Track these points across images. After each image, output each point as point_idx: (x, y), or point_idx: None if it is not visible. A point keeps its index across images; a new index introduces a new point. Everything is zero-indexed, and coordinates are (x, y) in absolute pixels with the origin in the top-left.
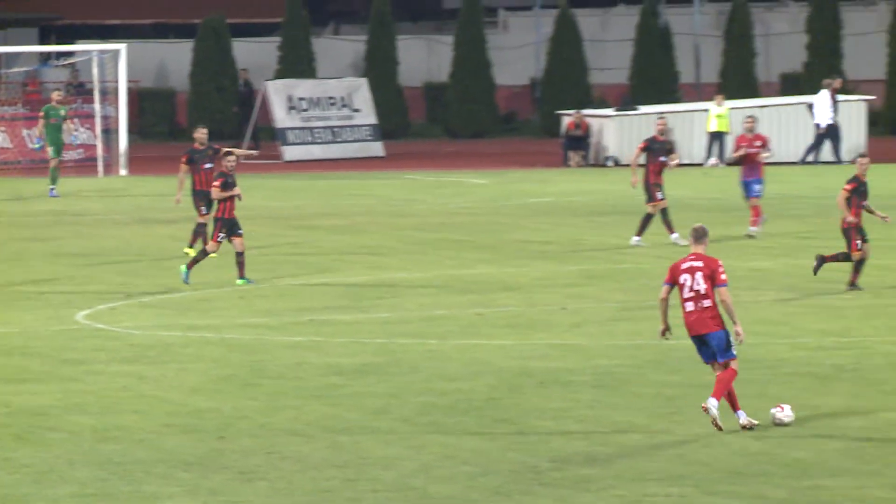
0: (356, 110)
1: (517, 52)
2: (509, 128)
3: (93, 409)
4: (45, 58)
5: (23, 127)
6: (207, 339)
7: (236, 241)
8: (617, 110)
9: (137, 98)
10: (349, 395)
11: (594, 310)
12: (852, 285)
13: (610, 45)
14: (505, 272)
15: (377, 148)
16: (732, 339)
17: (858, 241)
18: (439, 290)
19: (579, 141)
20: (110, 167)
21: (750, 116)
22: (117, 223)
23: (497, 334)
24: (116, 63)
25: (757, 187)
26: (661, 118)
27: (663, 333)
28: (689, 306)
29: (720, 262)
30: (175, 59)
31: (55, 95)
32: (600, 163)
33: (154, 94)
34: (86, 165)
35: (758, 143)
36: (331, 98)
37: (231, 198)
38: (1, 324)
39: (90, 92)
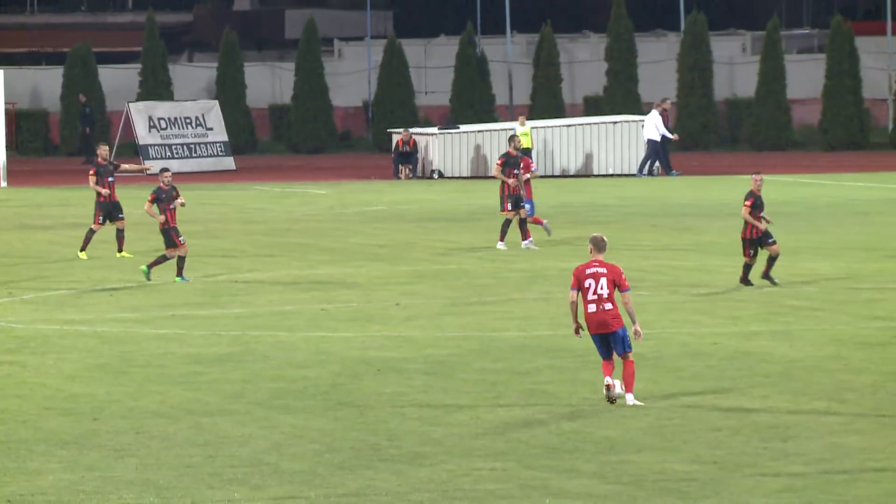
0: (209, 129)
1: (351, 77)
2: (345, 144)
3: None
4: None
5: None
6: (82, 331)
7: (181, 249)
8: (440, 129)
9: (14, 118)
10: (208, 381)
11: (424, 305)
12: (766, 276)
13: (433, 71)
14: (345, 272)
15: (229, 162)
16: (631, 336)
17: (751, 251)
18: (287, 288)
19: (408, 156)
20: None
21: (512, 136)
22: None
23: (339, 327)
24: None
25: (527, 206)
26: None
27: (577, 332)
28: (592, 308)
29: (622, 269)
30: (47, 83)
31: None
32: (427, 175)
33: (29, 115)
34: None
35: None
36: (187, 118)
37: (172, 209)
38: None
39: None
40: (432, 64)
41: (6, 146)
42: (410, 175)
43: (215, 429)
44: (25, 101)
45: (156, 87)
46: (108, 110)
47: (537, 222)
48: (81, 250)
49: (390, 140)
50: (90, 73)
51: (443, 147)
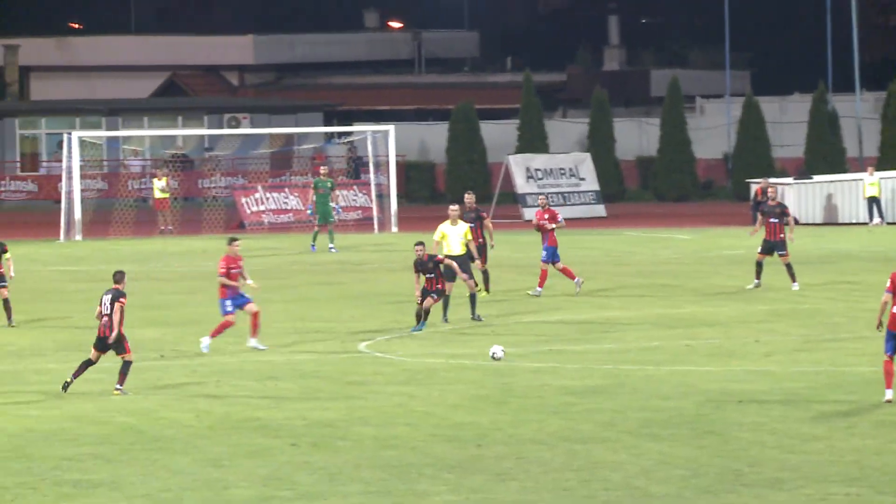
0: (582, 179)
1: (712, 132)
2: (707, 193)
3: (373, 421)
4: (329, 137)
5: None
6: (465, 364)
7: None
8: (795, 179)
9: (404, 169)
10: (582, 411)
11: (781, 342)
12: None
13: (787, 125)
14: (707, 311)
15: (600, 210)
16: None
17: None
18: (653, 326)
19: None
20: (383, 225)
21: (541, 195)
22: (390, 270)
23: (702, 362)
24: (387, 141)
25: (544, 253)
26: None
27: (878, 327)
28: None
29: None
30: (434, 137)
31: (322, 170)
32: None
33: (417, 166)
34: (363, 224)
35: (547, 216)
36: (561, 169)
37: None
38: (298, 352)
39: (366, 164)
40: (787, 119)
41: (397, 194)
42: None
43: (589, 455)
44: (414, 153)
45: (532, 141)
46: (490, 162)
47: (567, 274)
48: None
49: (749, 189)
50: (472, 128)
51: (797, 195)
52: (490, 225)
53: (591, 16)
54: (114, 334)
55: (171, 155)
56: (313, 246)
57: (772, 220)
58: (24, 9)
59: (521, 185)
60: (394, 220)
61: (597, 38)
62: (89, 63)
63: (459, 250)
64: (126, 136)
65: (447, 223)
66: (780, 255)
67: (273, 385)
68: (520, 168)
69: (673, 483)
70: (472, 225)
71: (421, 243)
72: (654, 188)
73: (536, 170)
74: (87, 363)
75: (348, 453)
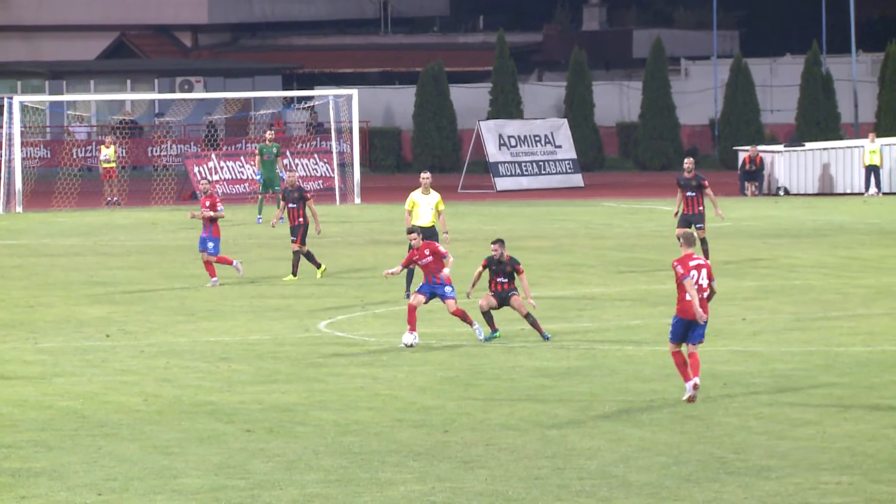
0: (558, 146)
1: (698, 96)
2: None
3: (334, 406)
4: (288, 101)
5: None
6: (432, 345)
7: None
8: (786, 146)
9: (368, 136)
10: (557, 394)
11: (770, 320)
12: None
13: (778, 89)
14: None
15: (577, 179)
16: None
17: None
18: (634, 303)
19: (754, 173)
20: (345, 196)
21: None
22: (352, 244)
23: None
24: (350, 106)
25: (210, 244)
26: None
27: None
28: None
29: None
30: (400, 102)
31: (268, 134)
32: (773, 192)
33: (382, 133)
34: (325, 195)
35: (208, 203)
36: (536, 136)
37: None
38: (255, 332)
39: (328, 131)
40: (778, 82)
41: (360, 163)
42: (756, 192)
43: (564, 441)
44: (379, 119)
45: (506, 106)
46: (460, 128)
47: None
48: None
49: (737, 158)
50: (441, 92)
51: (789, 164)
52: (313, 206)
53: None
54: None
55: (119, 121)
56: (259, 218)
57: (688, 193)
58: None
59: (494, 153)
60: (357, 190)
61: None
62: (32, 22)
63: (429, 220)
64: (71, 101)
65: (418, 191)
66: (698, 229)
67: (226, 367)
68: (492, 135)
69: (653, 471)
70: (296, 205)
71: (500, 241)
72: (636, 156)
73: (510, 137)
74: None
75: (307, 439)
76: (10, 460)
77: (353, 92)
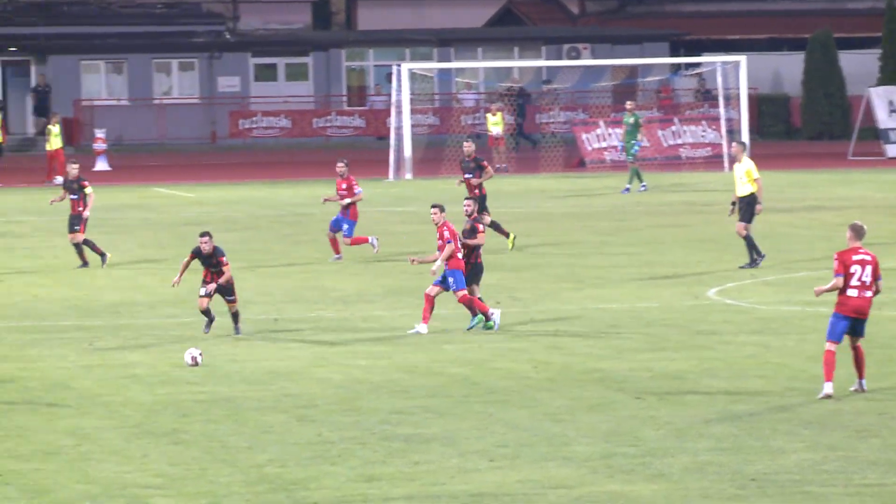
0: None
1: None
2: None
3: (723, 374)
4: (676, 68)
5: (658, 128)
6: (822, 313)
7: None
8: None
9: (756, 102)
10: None
11: None
12: None
13: None
14: None
15: None
16: None
17: None
18: None
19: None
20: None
21: (340, 163)
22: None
23: None
24: (737, 72)
25: (345, 226)
26: None
27: None
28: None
29: None
30: (788, 68)
31: (628, 104)
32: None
33: (770, 100)
34: (713, 162)
35: (344, 185)
36: None
37: None
38: (642, 299)
39: (715, 98)
40: None
41: (749, 130)
42: None
43: None
44: (767, 86)
45: None
46: (849, 94)
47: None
48: None
49: None
50: (830, 59)
51: None
52: (491, 171)
53: None
54: None
55: (507, 88)
56: (627, 188)
57: (466, 175)
58: None
59: (884, 119)
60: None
61: None
62: None
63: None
64: (459, 69)
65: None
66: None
67: (615, 334)
68: (882, 101)
69: None
70: (471, 175)
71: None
72: None
73: None
74: None
75: (697, 407)
76: (402, 426)
77: (742, 59)
